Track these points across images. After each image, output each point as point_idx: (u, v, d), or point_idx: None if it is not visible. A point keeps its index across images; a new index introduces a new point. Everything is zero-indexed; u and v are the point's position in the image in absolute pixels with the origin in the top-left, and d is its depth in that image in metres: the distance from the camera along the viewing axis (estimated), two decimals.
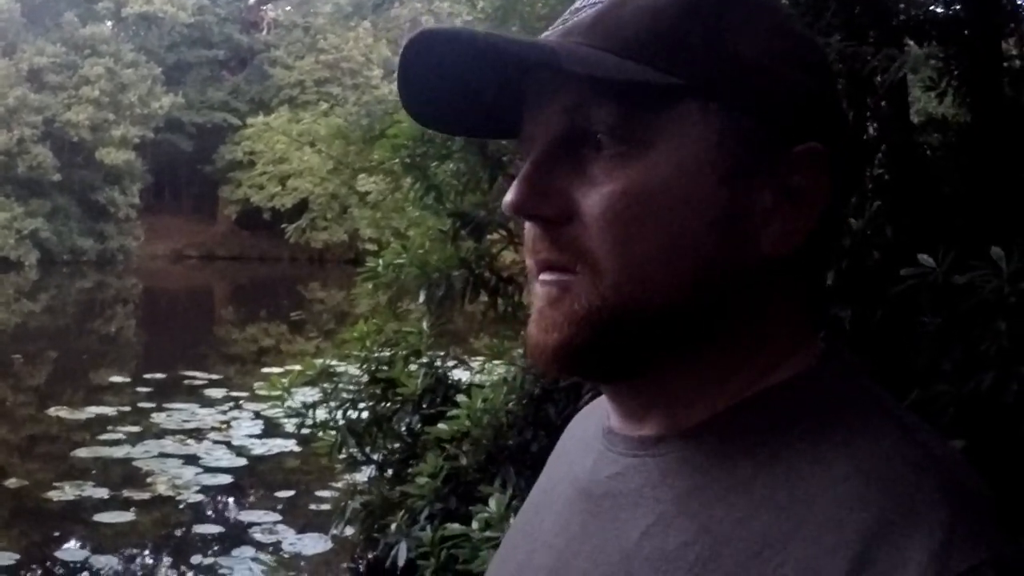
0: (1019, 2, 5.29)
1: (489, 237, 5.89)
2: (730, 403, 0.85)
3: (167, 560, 9.48)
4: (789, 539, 0.74)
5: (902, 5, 4.92)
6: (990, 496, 0.76)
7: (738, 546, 0.76)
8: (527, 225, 0.88)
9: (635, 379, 0.87)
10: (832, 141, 0.85)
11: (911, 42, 4.56)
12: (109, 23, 56.98)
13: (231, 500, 11.14)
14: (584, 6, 0.87)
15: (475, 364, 7.24)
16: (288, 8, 64.57)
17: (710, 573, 0.77)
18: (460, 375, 6.68)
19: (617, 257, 0.82)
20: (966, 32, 4.66)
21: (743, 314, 0.85)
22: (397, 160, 6.07)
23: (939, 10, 5.08)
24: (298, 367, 7.13)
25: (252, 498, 11.32)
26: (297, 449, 12.19)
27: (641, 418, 0.89)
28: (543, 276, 0.87)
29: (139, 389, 16.64)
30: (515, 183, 0.86)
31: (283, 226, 18.40)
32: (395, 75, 0.89)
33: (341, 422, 6.41)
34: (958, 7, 4.96)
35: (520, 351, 5.62)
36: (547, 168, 0.85)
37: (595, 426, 0.98)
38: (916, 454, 0.77)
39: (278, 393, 6.82)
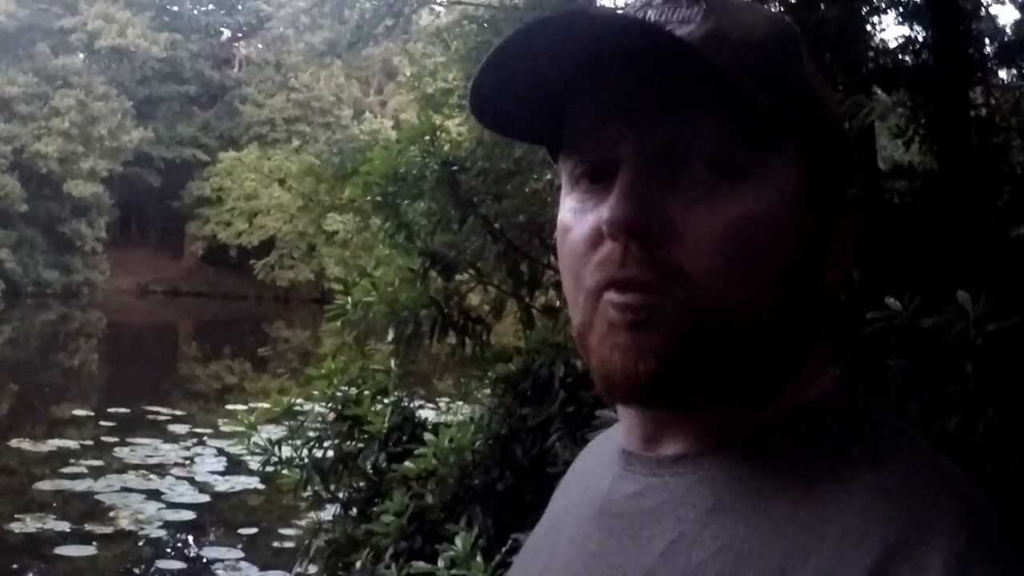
0: (986, 52, 5.38)
1: (458, 277, 5.89)
2: (751, 424, 0.86)
3: None
4: (810, 554, 0.75)
5: (871, 54, 4.98)
6: (1004, 516, 0.78)
7: (760, 562, 0.77)
8: (607, 244, 0.84)
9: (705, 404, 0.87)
10: (862, 189, 0.89)
11: (879, 90, 4.61)
12: (81, 55, 56.80)
13: (194, 536, 11.05)
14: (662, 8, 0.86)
15: (441, 404, 7.21)
16: (260, 46, 64.61)
17: None
18: (427, 414, 6.66)
19: (722, 281, 0.81)
20: (934, 81, 4.71)
21: (797, 341, 0.87)
22: (368, 198, 6.06)
23: (907, 59, 5.14)
24: (262, 404, 7.09)
25: (215, 535, 11.25)
26: (260, 486, 12.13)
27: (661, 438, 0.90)
28: (619, 296, 0.83)
29: (102, 423, 16.53)
30: (618, 198, 0.82)
31: (252, 262, 18.44)
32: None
33: (306, 460, 6.37)
34: (926, 56, 5.03)
35: (488, 391, 5.61)
36: (646, 184, 0.83)
37: (610, 450, 0.98)
38: (934, 475, 0.79)
39: (243, 429, 6.78)
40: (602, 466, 0.98)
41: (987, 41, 5.62)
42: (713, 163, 0.82)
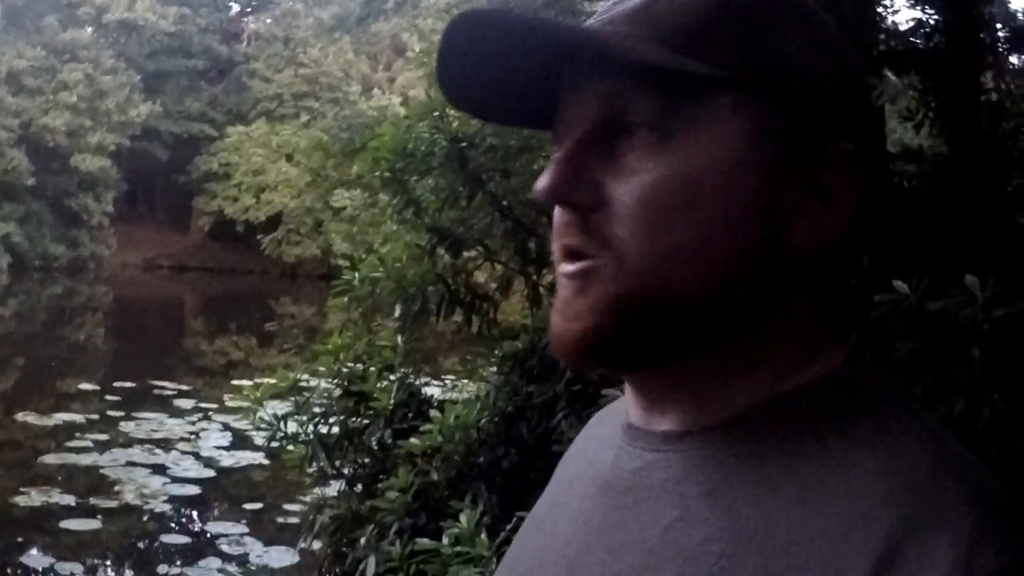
0: (998, 37, 5.36)
1: (466, 254, 5.90)
2: (755, 401, 0.85)
3: (132, 570, 9.44)
4: (815, 536, 0.74)
5: (883, 36, 4.97)
6: (1011, 500, 0.77)
7: (763, 542, 0.76)
8: (556, 211, 0.87)
9: (660, 368, 0.86)
10: (863, 145, 0.86)
11: (890, 72, 4.60)
12: (89, 29, 56.74)
13: (198, 511, 11.10)
14: None
15: (447, 381, 7.23)
16: (269, 20, 64.50)
17: (734, 569, 0.77)
18: (432, 391, 6.67)
19: (643, 245, 0.82)
20: (945, 64, 4.70)
21: (769, 310, 0.85)
22: (376, 174, 6.06)
23: (919, 43, 5.13)
24: (268, 380, 7.10)
25: (219, 509, 11.29)
26: (266, 462, 12.16)
27: (664, 413, 0.89)
28: (565, 267, 0.86)
29: (108, 397, 16.57)
30: (548, 168, 0.85)
31: (258, 238, 18.45)
32: (435, 56, 0.89)
33: (312, 435, 6.38)
34: (938, 40, 5.01)
35: (493, 369, 5.63)
36: (581, 155, 0.85)
37: (614, 424, 0.97)
38: (942, 456, 0.77)
39: (249, 405, 6.78)
40: (606, 440, 0.97)
41: (999, 26, 5.61)
42: (646, 127, 0.83)
